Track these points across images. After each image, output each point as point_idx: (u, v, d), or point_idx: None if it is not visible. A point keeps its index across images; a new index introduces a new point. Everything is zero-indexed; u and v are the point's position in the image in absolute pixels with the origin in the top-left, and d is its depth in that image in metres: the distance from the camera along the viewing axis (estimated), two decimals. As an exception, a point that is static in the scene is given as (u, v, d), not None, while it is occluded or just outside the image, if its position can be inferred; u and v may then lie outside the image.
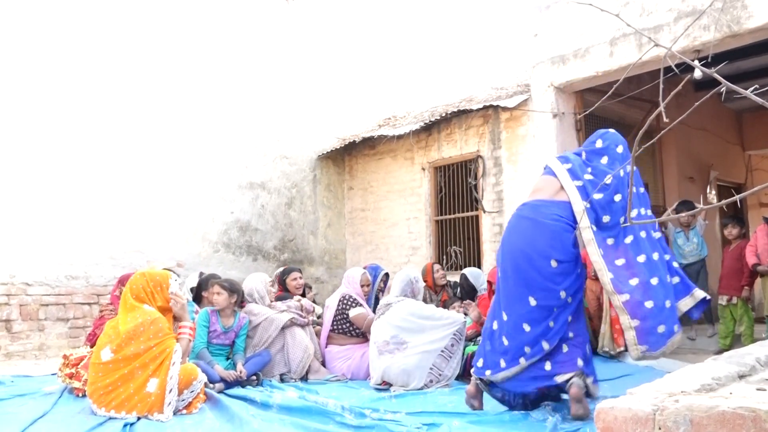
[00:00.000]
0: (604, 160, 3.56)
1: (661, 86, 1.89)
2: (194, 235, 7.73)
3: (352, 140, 9.06)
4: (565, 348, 3.35)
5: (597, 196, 3.34)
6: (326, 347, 5.29)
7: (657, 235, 3.47)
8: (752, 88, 1.64)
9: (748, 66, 7.30)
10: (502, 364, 3.40)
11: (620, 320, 3.25)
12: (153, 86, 7.44)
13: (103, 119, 6.97)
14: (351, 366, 5.11)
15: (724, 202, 1.58)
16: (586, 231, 3.34)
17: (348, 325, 5.26)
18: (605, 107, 5.79)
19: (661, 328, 3.17)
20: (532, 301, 3.30)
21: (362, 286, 5.51)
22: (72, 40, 6.79)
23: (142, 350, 3.54)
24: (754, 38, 5.41)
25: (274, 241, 8.62)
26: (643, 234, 3.37)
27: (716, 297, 6.15)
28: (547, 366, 3.34)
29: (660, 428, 1.59)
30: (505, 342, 3.39)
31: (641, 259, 3.29)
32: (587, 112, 5.21)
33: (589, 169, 3.53)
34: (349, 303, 5.29)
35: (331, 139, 9.38)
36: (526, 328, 3.32)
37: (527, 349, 3.32)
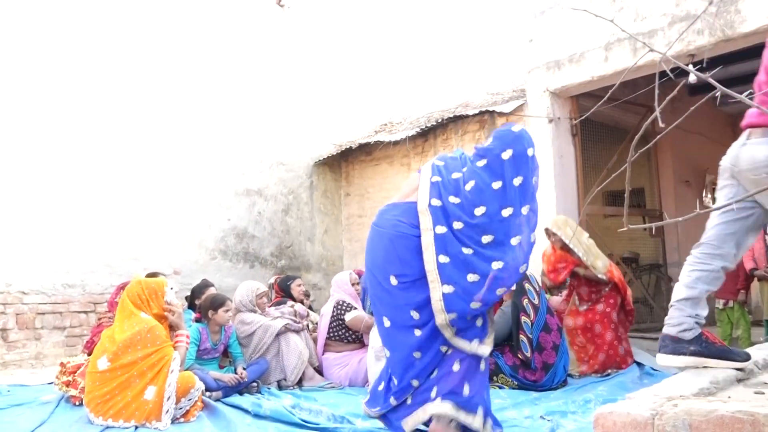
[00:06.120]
0: (482, 162, 2.81)
1: (657, 91, 1.90)
2: (191, 243, 7.71)
3: (348, 146, 9.05)
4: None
5: (453, 199, 2.71)
6: (323, 355, 5.28)
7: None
8: (746, 92, 1.65)
9: (743, 70, 7.30)
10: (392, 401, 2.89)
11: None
12: (149, 93, 7.43)
13: (99, 126, 6.95)
14: (348, 373, 5.09)
15: (721, 205, 1.58)
16: (426, 234, 2.67)
17: (344, 331, 5.24)
18: (601, 112, 5.80)
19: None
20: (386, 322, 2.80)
21: (353, 284, 5.53)
22: (70, 50, 6.78)
23: (140, 358, 3.53)
24: (748, 42, 5.43)
25: (271, 248, 8.60)
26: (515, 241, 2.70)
27: (713, 301, 6.16)
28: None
29: (659, 433, 1.59)
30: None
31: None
32: (583, 117, 5.21)
33: (465, 169, 2.84)
34: (344, 308, 5.28)
35: (328, 145, 9.38)
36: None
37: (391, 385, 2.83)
